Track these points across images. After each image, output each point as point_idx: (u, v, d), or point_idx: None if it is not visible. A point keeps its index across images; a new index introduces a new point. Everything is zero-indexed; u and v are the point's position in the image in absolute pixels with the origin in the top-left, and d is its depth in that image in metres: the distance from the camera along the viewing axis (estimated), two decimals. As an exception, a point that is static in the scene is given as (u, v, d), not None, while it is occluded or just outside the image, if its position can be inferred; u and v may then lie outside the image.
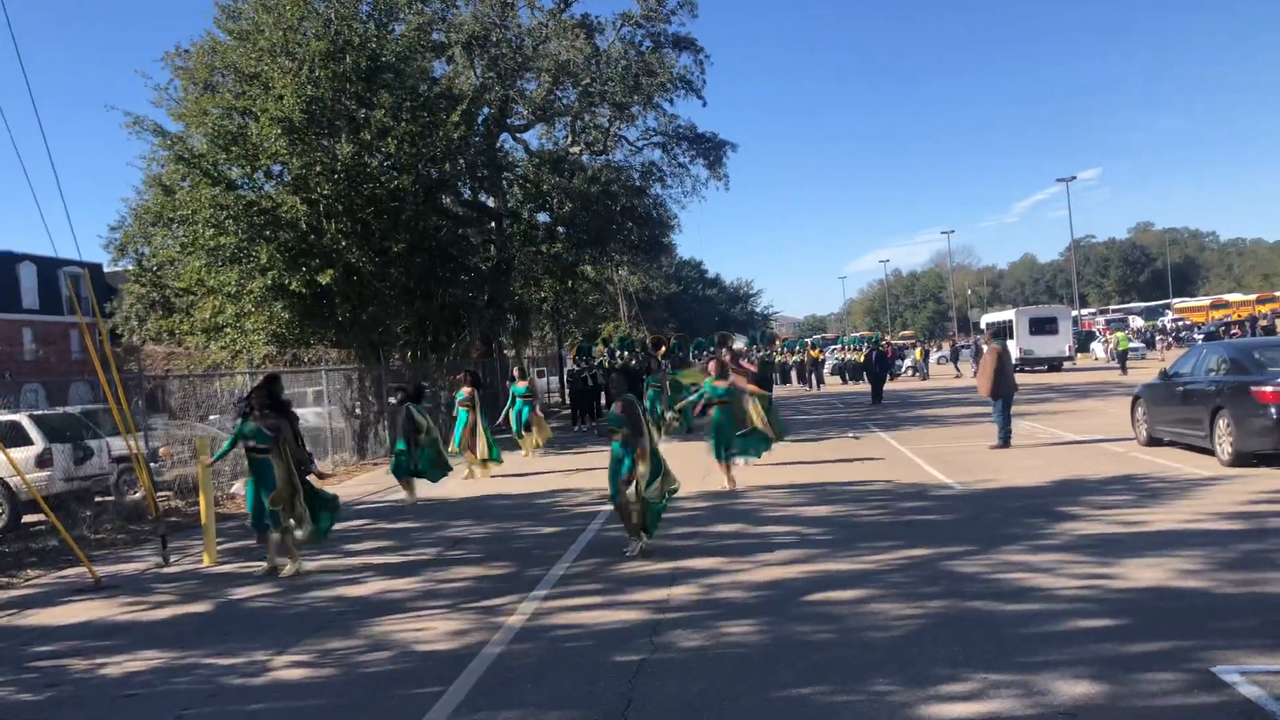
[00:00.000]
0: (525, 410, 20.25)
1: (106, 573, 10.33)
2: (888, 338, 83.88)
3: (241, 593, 9.07)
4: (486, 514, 12.92)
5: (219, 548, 10.89)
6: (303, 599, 8.62)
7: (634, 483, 9.18)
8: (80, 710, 6.00)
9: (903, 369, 49.97)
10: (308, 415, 24.53)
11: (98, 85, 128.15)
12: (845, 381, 49.23)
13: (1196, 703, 4.95)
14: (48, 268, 49.14)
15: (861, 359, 52.29)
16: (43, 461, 15.63)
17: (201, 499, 10.89)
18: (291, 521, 9.66)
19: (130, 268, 29.51)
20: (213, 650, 7.05)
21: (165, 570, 10.47)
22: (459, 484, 16.10)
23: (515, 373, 21.88)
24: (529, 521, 12.06)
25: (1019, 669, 5.56)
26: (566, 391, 33.28)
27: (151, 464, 15.84)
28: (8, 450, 13.23)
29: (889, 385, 39.87)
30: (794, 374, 47.98)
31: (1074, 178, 74.36)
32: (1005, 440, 16.18)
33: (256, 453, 9.98)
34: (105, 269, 51.67)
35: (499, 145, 29.72)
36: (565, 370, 35.43)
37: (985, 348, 17.07)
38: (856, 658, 6.00)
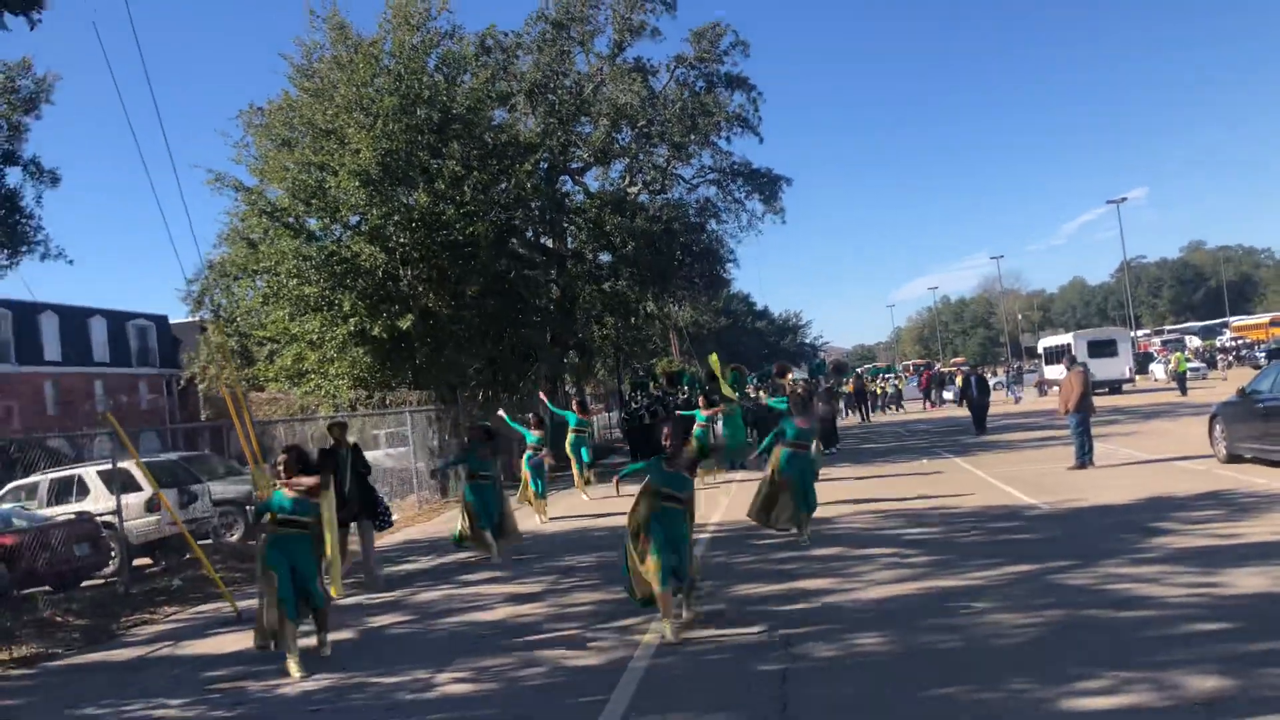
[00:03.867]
0: (538, 466, 16.99)
1: (242, 607, 10.92)
2: (939, 365, 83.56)
3: (379, 621, 9.63)
4: (586, 546, 13.38)
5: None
6: (441, 625, 9.17)
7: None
8: (273, 724, 6.56)
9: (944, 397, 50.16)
10: (379, 457, 25.29)
11: (158, 143, 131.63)
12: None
13: (1326, 691, 5.31)
14: (116, 321, 50.62)
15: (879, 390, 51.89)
16: (152, 506, 16.36)
17: (327, 534, 11.47)
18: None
19: (208, 318, 30.60)
20: (374, 671, 7.59)
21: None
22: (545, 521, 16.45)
23: (531, 419, 17.75)
24: (631, 550, 12.51)
25: (1147, 667, 5.94)
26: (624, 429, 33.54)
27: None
28: (120, 496, 14.07)
29: (937, 413, 40.10)
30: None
31: (1124, 199, 74.17)
32: (1083, 461, 16.42)
33: (291, 527, 8.45)
34: (170, 321, 53.22)
35: (559, 187, 30.47)
36: (622, 408, 35.71)
37: (1066, 369, 17.40)
38: (989, 661, 6.41)
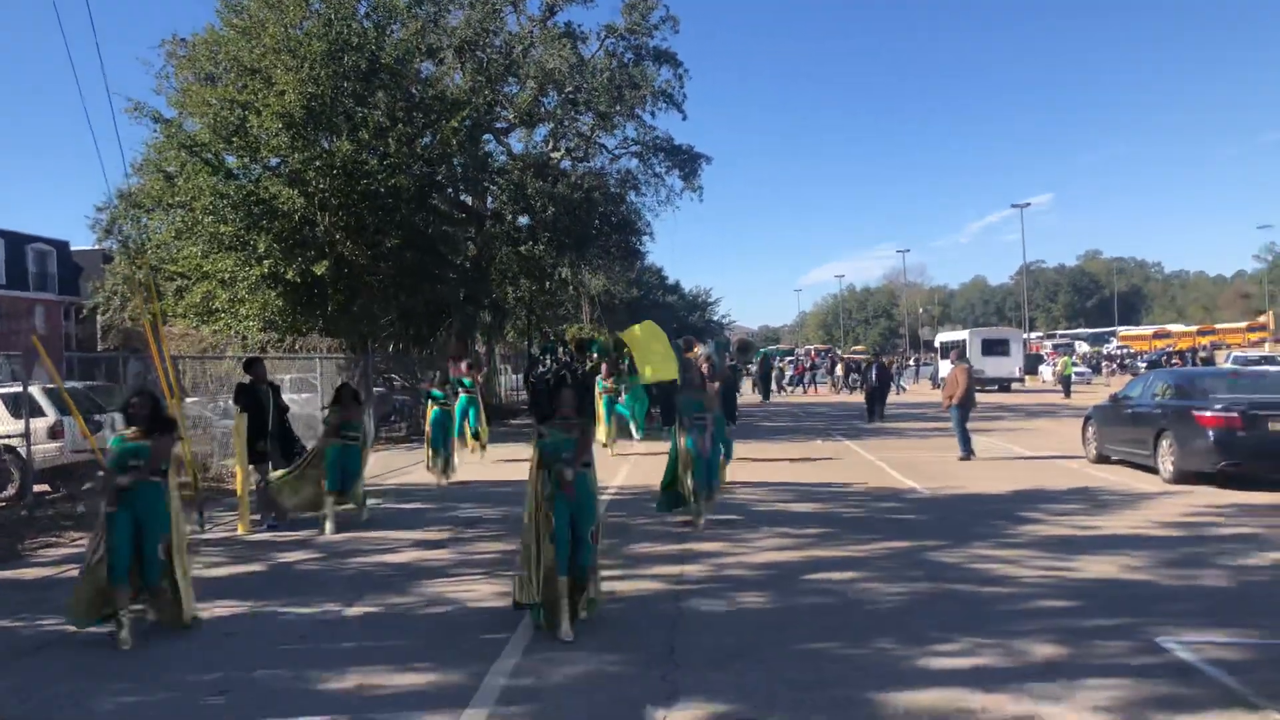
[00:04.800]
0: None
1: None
2: (840, 351, 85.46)
3: (287, 557, 9.95)
4: (489, 499, 13.81)
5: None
6: (349, 564, 9.53)
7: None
8: (191, 643, 6.88)
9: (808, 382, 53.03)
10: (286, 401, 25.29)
11: (80, 67, 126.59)
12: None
13: (1142, 663, 6.08)
14: (15, 243, 48.96)
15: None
16: (54, 433, 16.25)
17: (238, 471, 11.73)
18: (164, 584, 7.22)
19: (115, 248, 30.05)
20: (286, 601, 7.95)
21: (203, 536, 11.23)
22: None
23: (437, 376, 18.81)
24: (534, 506, 12.99)
25: (998, 635, 6.65)
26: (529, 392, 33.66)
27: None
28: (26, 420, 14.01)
29: (834, 398, 41.37)
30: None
31: (1028, 203, 76.73)
32: (969, 452, 17.31)
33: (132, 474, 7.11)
34: (72, 247, 51.66)
35: (482, 146, 30.53)
36: (528, 370, 35.69)
37: (953, 365, 18.37)
38: (858, 623, 7.07)
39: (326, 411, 13.24)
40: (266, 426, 12.12)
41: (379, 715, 5.40)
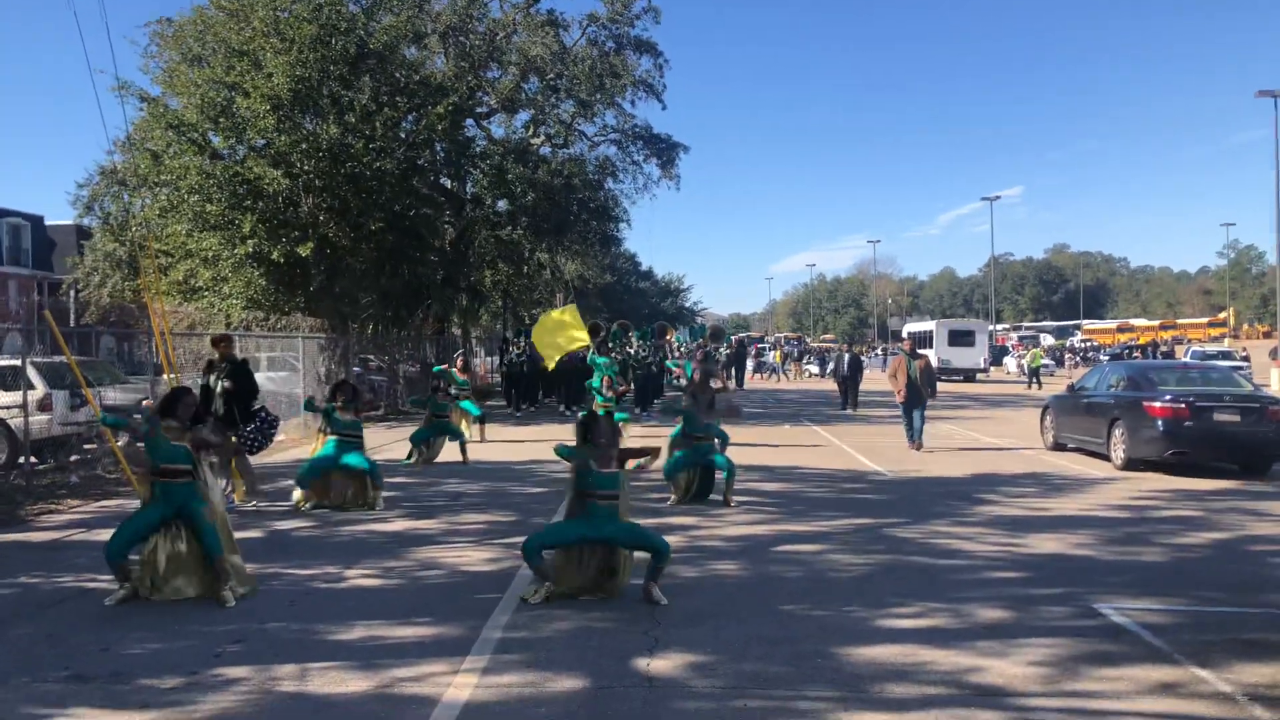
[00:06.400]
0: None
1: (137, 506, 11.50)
2: (809, 340, 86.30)
3: (283, 525, 10.43)
4: (475, 476, 14.30)
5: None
6: (342, 532, 10.03)
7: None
8: (203, 599, 7.37)
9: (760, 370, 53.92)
10: (260, 380, 25.54)
11: (49, 45, 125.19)
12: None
13: (1079, 624, 6.72)
14: (-13, 217, 48.77)
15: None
16: (44, 406, 16.61)
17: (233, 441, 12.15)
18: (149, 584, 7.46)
19: (95, 225, 30.24)
20: (287, 564, 8.45)
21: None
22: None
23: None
24: (516, 483, 13.57)
25: (950, 600, 7.27)
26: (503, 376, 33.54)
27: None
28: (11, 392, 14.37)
29: (804, 385, 42.10)
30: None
31: (998, 196, 77.77)
32: (919, 440, 17.90)
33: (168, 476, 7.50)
34: (47, 222, 51.43)
35: (463, 130, 30.89)
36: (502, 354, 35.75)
37: (898, 354, 19.01)
38: (824, 588, 7.68)
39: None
40: (211, 403, 11.33)
41: (387, 661, 5.93)
